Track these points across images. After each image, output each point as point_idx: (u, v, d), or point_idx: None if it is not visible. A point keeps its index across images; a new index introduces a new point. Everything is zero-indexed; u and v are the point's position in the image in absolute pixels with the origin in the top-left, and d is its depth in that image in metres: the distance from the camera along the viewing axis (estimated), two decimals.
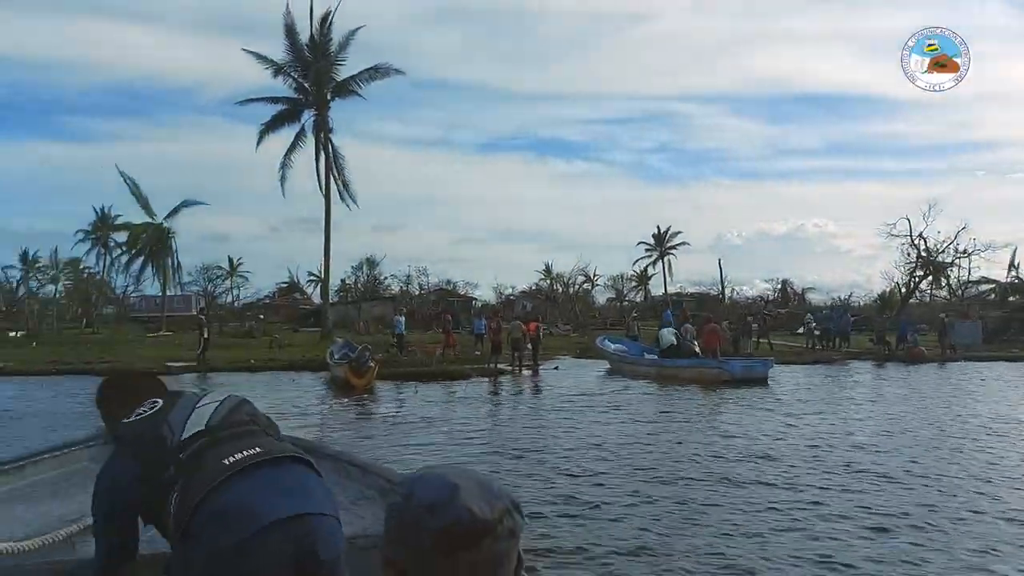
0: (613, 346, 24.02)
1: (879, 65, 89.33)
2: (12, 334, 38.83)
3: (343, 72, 34.66)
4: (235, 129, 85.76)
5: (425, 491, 1.00)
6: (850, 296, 50.67)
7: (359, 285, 64.81)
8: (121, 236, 52.28)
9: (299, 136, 35.00)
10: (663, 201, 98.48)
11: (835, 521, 6.28)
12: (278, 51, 34.24)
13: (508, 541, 1.00)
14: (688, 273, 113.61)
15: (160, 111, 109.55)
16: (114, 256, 54.92)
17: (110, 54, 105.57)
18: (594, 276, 63.13)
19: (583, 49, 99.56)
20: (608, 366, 22.50)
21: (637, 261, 70.35)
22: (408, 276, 60.72)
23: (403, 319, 27.34)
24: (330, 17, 33.88)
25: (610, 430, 11.45)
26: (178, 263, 48.50)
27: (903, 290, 43.38)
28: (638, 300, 65.76)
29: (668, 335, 21.83)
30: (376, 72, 34.27)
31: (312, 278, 65.90)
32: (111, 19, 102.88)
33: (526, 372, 21.76)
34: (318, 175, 35.01)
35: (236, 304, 64.91)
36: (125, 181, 43.97)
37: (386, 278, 63.12)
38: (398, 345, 25.71)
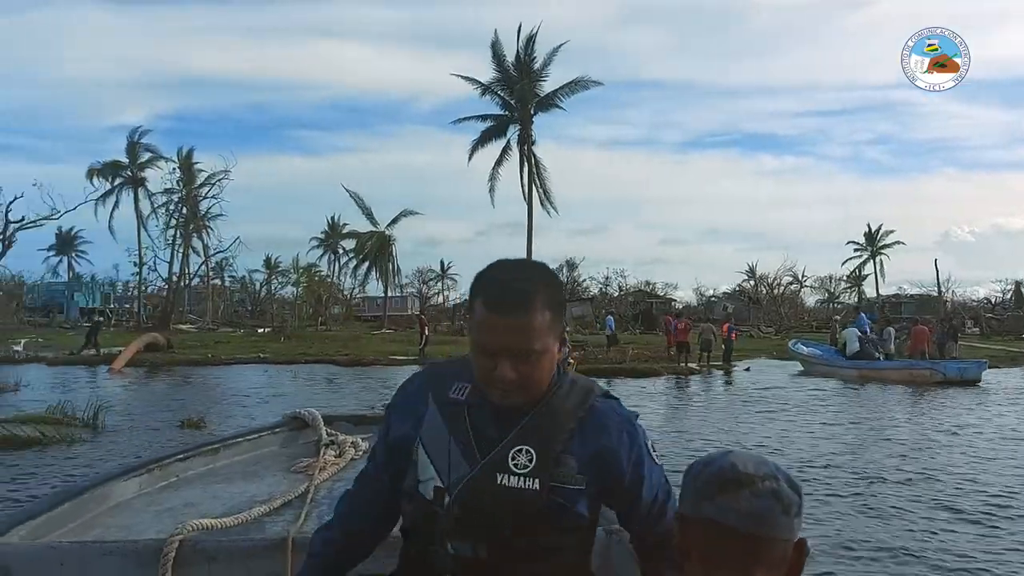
0: (807, 350, 23.95)
1: None
2: (260, 330, 44.79)
3: (546, 86, 37.00)
4: (446, 138, 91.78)
5: (710, 455, 1.20)
6: None
7: None
8: (348, 243, 58.40)
9: (505, 149, 37.83)
10: (880, 196, 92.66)
11: None
12: (484, 63, 37.19)
13: (771, 502, 1.08)
14: (906, 274, 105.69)
15: (378, 123, 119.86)
16: (343, 262, 61.34)
17: (335, 72, 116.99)
18: (802, 277, 61.04)
19: (794, 39, 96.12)
20: (801, 368, 22.58)
21: (846, 262, 66.99)
22: (607, 278, 62.06)
23: (612, 319, 29.28)
24: (534, 37, 36.23)
25: (776, 428, 12.10)
26: (398, 267, 53.32)
27: None
28: (850, 302, 62.57)
29: (852, 339, 21.53)
30: (577, 85, 36.18)
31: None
32: (336, 39, 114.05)
33: (716, 372, 22.40)
34: (522, 184, 37.56)
35: (447, 304, 69.59)
36: (351, 196, 49.24)
37: (584, 280, 64.87)
38: (609, 343, 27.35)
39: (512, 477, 1.38)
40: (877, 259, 66.97)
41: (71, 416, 11.03)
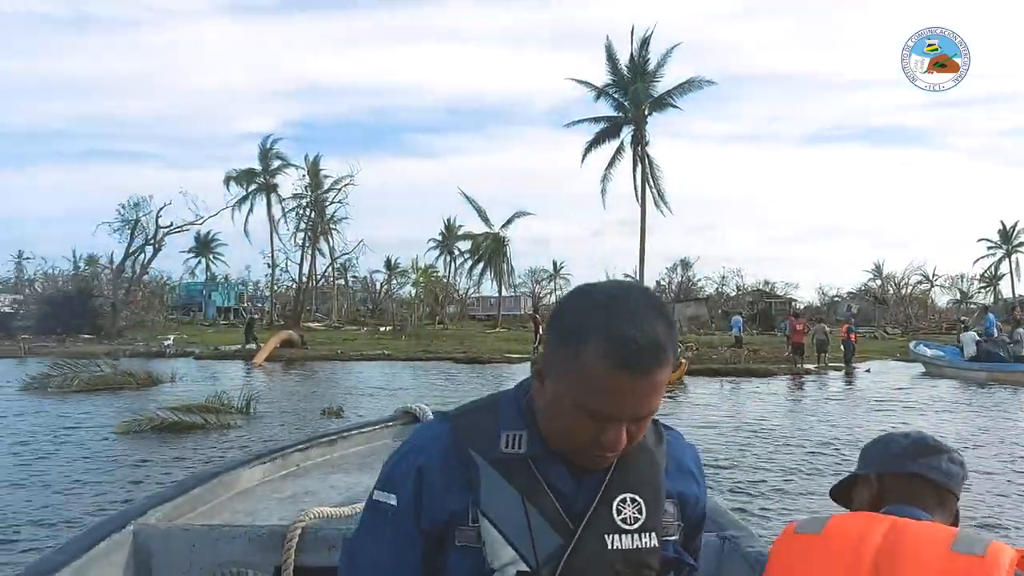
0: (929, 351, 23.11)
1: None
2: (382, 329, 46.76)
3: (659, 86, 36.99)
4: (559, 137, 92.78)
5: (900, 431, 1.56)
6: None
7: (673, 286, 66.45)
8: (464, 244, 59.98)
9: (619, 150, 38.08)
10: (1015, 191, 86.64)
11: None
12: (597, 61, 37.53)
13: (959, 468, 1.51)
14: None
15: (493, 125, 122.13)
16: (458, 263, 63.04)
17: (451, 75, 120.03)
18: (933, 276, 58.06)
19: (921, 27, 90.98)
20: (923, 370, 21.88)
21: (978, 260, 63.13)
22: (723, 277, 61.01)
23: (740, 319, 29.10)
24: (648, 39, 36.31)
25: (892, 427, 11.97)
26: (511, 267, 54.42)
27: None
28: (984, 302, 58.90)
29: (969, 342, 20.70)
30: (691, 85, 35.99)
31: (628, 279, 68.95)
32: (452, 42, 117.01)
33: (834, 372, 21.95)
34: (635, 185, 37.70)
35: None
36: (466, 199, 50.66)
37: (699, 280, 63.98)
38: (736, 343, 27.21)
39: (624, 536, 1.13)
40: (1012, 257, 62.81)
41: (227, 404, 12.28)
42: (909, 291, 56.18)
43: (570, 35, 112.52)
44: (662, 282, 67.24)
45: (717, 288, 60.89)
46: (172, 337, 30.45)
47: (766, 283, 60.69)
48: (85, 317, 33.05)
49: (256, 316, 37.90)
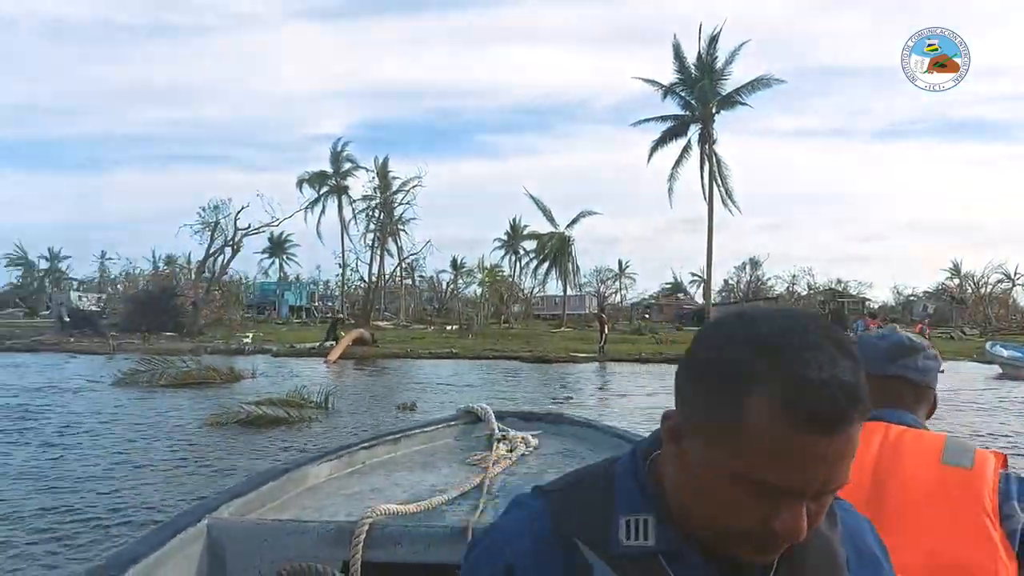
0: (1007, 352, 22.39)
1: None
2: (448, 328, 47.41)
3: (728, 84, 36.59)
4: (625, 136, 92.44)
5: (878, 332, 1.66)
6: None
7: (741, 285, 65.48)
8: (529, 244, 60.32)
9: (685, 149, 37.85)
10: None
11: None
12: (663, 57, 37.36)
13: (934, 363, 1.61)
14: None
15: (558, 124, 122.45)
16: (523, 262, 63.40)
17: (516, 75, 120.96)
18: (1014, 275, 55.78)
19: (1010, 12, 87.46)
20: (1000, 371, 21.27)
21: None
22: (793, 276, 59.85)
23: None
24: (716, 37, 35.97)
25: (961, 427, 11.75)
26: (577, 266, 54.51)
27: None
28: None
29: None
30: (760, 83, 35.51)
31: (695, 278, 68.29)
32: (517, 43, 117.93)
33: None
34: (702, 183, 37.40)
35: (623, 303, 69.91)
36: (532, 200, 50.98)
37: (769, 279, 62.89)
38: None
39: None
40: None
41: (306, 399, 12.83)
42: (989, 291, 54.12)
43: (635, 32, 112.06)
44: (730, 281, 66.46)
45: (788, 288, 59.78)
46: (251, 335, 31.62)
47: (839, 282, 59.31)
48: (168, 315, 34.49)
49: (341, 316, 39.01)
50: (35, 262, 79.18)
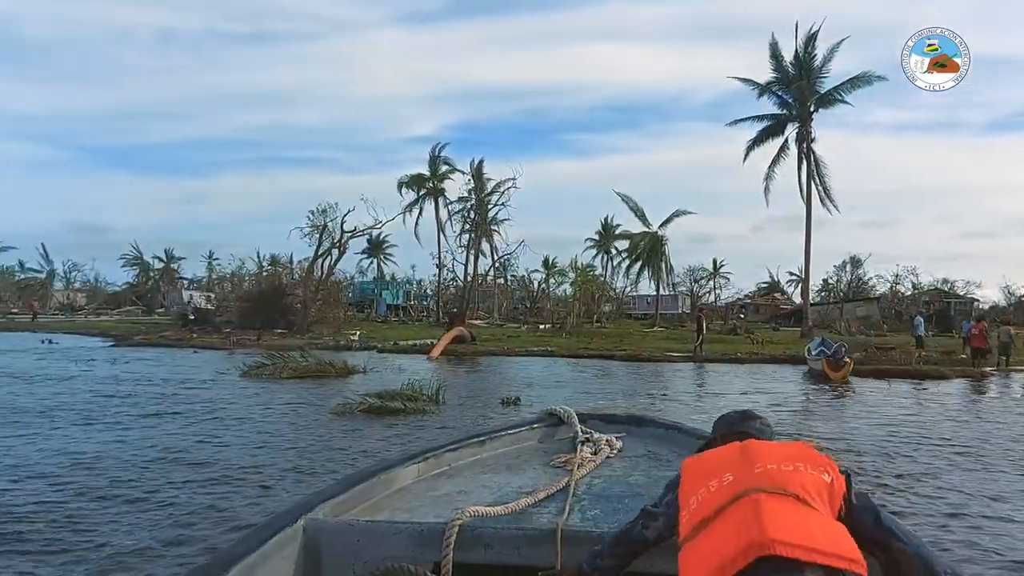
0: None
1: None
2: (541, 326, 48.22)
3: (827, 82, 35.88)
4: (718, 133, 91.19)
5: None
6: None
7: (842, 285, 63.77)
8: (621, 243, 60.52)
9: (782, 148, 37.40)
10: None
11: None
12: (756, 52, 36.92)
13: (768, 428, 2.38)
14: None
15: (650, 122, 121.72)
16: (615, 262, 63.61)
17: (606, 73, 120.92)
18: None
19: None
20: None
21: None
22: (896, 275, 57.95)
23: (922, 320, 28.37)
24: (815, 35, 35.38)
25: None
26: (670, 266, 54.38)
27: None
28: None
29: None
30: (860, 80, 34.74)
31: (792, 278, 66.95)
32: (607, 41, 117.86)
33: (1018, 375, 20.89)
34: (799, 182, 36.88)
35: (717, 303, 69.11)
36: (623, 200, 51.23)
37: (871, 278, 61.05)
38: (917, 344, 26.38)
39: None
40: None
41: (419, 392, 13.82)
42: None
43: (727, 27, 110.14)
44: (830, 280, 64.78)
45: (890, 287, 57.92)
46: (358, 332, 33.32)
47: (944, 282, 57.05)
48: (279, 313, 36.58)
49: (455, 311, 40.51)
50: (150, 262, 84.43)
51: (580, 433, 3.35)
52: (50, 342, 31.68)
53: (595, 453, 3.13)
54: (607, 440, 3.30)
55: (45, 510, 6.26)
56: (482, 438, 3.33)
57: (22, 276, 76.51)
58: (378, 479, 2.69)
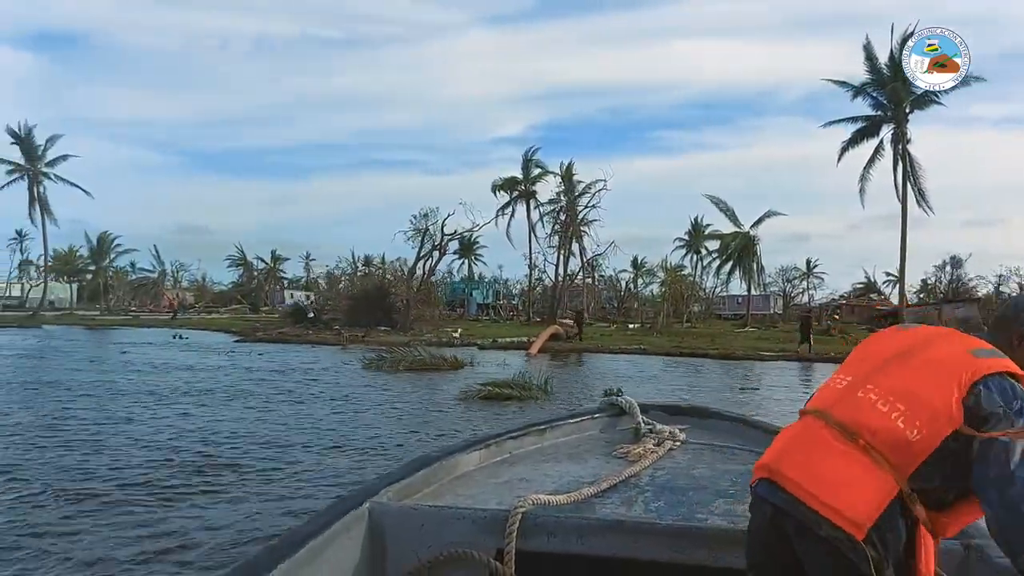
0: None
1: None
2: (631, 326, 49.02)
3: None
4: (809, 128, 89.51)
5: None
6: None
7: (941, 286, 62.08)
8: (711, 243, 60.65)
9: (878, 149, 37.29)
10: None
11: None
12: (847, 46, 36.77)
13: None
14: None
15: (738, 118, 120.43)
16: (705, 262, 63.72)
17: (691, 70, 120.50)
18: None
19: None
20: None
21: None
22: (1000, 276, 56.10)
23: None
24: (910, 36, 35.09)
25: None
26: (761, 266, 54.29)
27: None
28: None
29: None
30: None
31: (890, 278, 65.44)
32: (692, 37, 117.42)
33: None
34: (895, 183, 36.72)
35: (811, 303, 68.16)
36: (713, 202, 51.55)
37: (972, 279, 59.24)
38: None
39: None
40: None
41: (529, 382, 15.25)
42: None
43: (815, 22, 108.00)
44: (929, 281, 63.10)
45: (994, 288, 56.07)
46: (459, 330, 35.20)
47: None
48: (383, 312, 38.78)
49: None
50: (253, 263, 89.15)
51: (643, 424, 3.35)
52: (180, 337, 34.82)
53: (658, 444, 3.10)
54: (670, 431, 3.29)
55: (265, 455, 8.04)
56: (543, 427, 3.32)
57: (133, 276, 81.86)
58: (440, 465, 2.70)
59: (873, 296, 68.51)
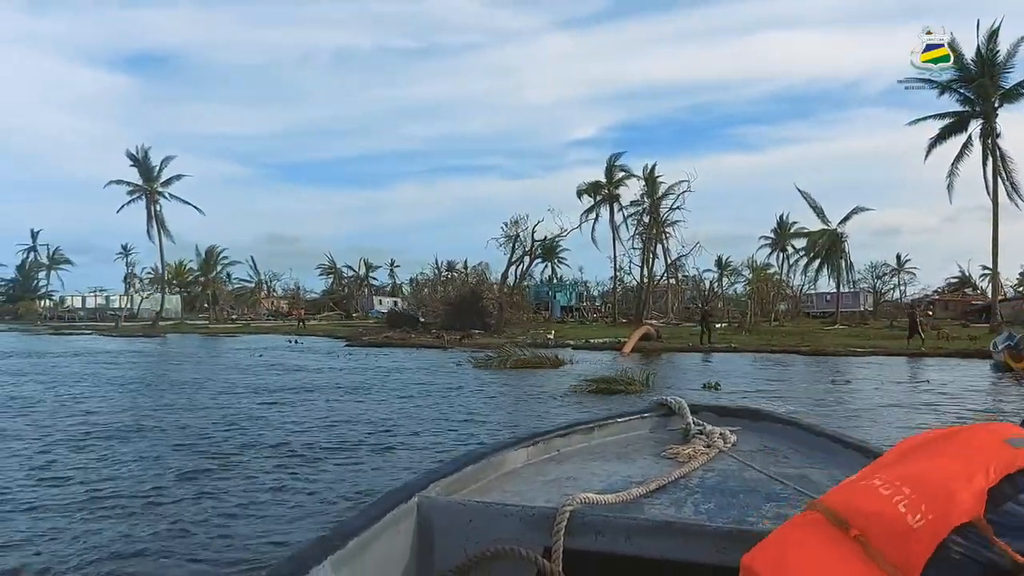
0: None
1: None
2: (718, 325, 49.60)
3: (1012, 76, 35.35)
4: (896, 119, 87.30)
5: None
6: None
7: None
8: (798, 241, 60.60)
9: (966, 145, 37.18)
10: None
11: None
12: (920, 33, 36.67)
13: None
14: None
15: (821, 111, 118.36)
16: (792, 260, 63.61)
17: (770, 64, 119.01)
18: None
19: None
20: None
21: None
22: None
23: None
24: (996, 32, 34.99)
25: None
26: (850, 263, 54.07)
27: None
28: None
29: None
30: None
31: (986, 271, 63.76)
32: (771, 30, 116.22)
33: None
34: (985, 179, 36.56)
35: (902, 299, 67.05)
36: (802, 195, 51.70)
37: None
38: None
39: None
40: None
41: (630, 378, 16.74)
42: None
43: (900, 10, 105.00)
44: None
45: None
46: (553, 332, 36.92)
47: None
48: (477, 316, 40.83)
49: (708, 309, 43.16)
50: (343, 270, 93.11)
51: (692, 425, 3.29)
52: (296, 341, 37.71)
53: (708, 446, 3.03)
54: (720, 433, 3.19)
55: (439, 430, 9.88)
56: (591, 425, 3.28)
57: (230, 286, 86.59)
58: (488, 461, 2.68)
59: (968, 291, 66.88)
